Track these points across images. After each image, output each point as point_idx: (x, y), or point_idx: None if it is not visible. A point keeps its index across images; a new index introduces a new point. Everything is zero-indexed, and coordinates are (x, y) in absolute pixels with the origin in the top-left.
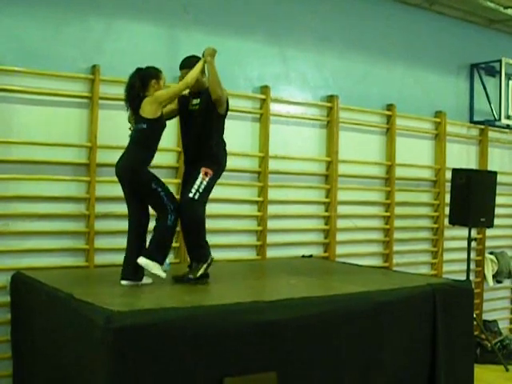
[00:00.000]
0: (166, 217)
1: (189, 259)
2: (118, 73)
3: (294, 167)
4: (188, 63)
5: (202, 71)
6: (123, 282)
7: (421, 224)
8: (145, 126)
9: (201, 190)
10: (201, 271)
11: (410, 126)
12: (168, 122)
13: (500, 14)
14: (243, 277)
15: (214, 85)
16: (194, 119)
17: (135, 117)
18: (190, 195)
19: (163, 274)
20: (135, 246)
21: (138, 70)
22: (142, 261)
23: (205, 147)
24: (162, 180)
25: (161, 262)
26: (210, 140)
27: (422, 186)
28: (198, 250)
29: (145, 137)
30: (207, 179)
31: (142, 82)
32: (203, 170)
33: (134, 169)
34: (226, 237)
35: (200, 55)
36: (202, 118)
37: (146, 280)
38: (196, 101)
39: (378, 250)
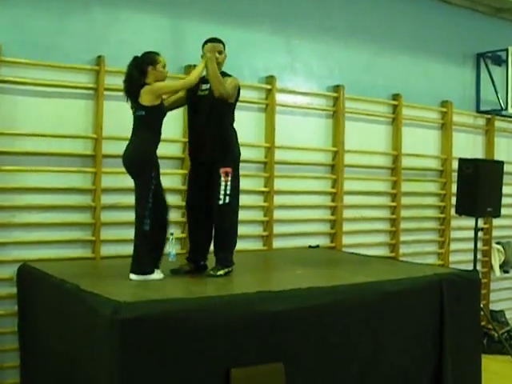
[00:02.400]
0: (141, 221)
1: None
2: (123, 63)
3: (300, 157)
4: (221, 41)
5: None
6: (132, 277)
7: (427, 214)
8: (143, 113)
9: (228, 192)
10: (220, 273)
11: (416, 116)
12: (172, 113)
13: (506, 3)
14: (250, 267)
15: (214, 82)
16: (203, 105)
17: (135, 105)
18: (220, 202)
19: (160, 276)
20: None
21: (135, 58)
22: (133, 277)
23: (216, 135)
24: (168, 171)
25: (151, 271)
26: (221, 127)
27: (429, 176)
28: (225, 254)
29: (145, 123)
30: (230, 178)
31: (139, 70)
32: (222, 171)
33: (141, 153)
34: None
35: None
36: (212, 103)
37: (156, 275)
38: (206, 86)
39: (385, 240)
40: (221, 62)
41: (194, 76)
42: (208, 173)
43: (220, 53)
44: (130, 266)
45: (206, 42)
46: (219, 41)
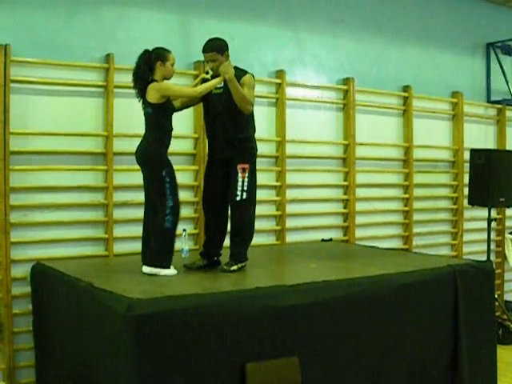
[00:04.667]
0: (162, 218)
1: (203, 247)
2: (132, 61)
3: (311, 151)
4: (212, 46)
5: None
6: (145, 269)
7: (440, 205)
8: (150, 110)
9: (246, 188)
10: (234, 268)
11: (426, 107)
12: (184, 110)
13: None
14: (263, 262)
15: (241, 102)
16: (219, 103)
17: (143, 101)
18: (237, 198)
19: (174, 272)
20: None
21: (145, 52)
22: (146, 270)
23: (233, 133)
24: (180, 167)
25: (167, 265)
26: (237, 124)
27: (441, 167)
28: (241, 250)
29: (153, 121)
30: (247, 175)
31: (147, 64)
32: (239, 167)
33: (149, 151)
34: None
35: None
36: (228, 102)
37: (170, 271)
38: (220, 84)
39: (398, 233)
40: (218, 68)
41: (202, 89)
42: (224, 169)
43: (214, 61)
44: (144, 259)
45: (216, 39)
46: (211, 48)
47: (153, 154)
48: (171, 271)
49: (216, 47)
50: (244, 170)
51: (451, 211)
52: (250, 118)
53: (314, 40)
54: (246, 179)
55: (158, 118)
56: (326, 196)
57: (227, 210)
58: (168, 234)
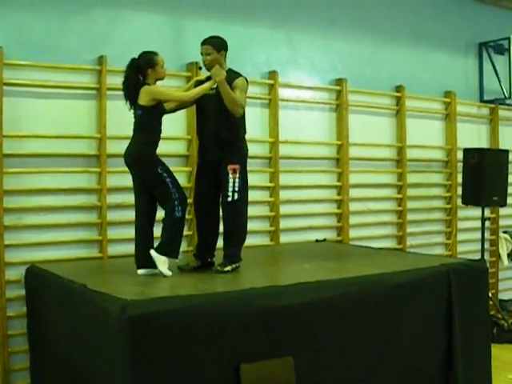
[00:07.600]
0: (172, 208)
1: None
2: (125, 63)
3: (304, 152)
4: (211, 40)
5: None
6: (140, 272)
7: (434, 205)
8: (141, 112)
9: (237, 189)
10: (228, 268)
11: (419, 107)
12: (177, 112)
13: None
14: (257, 263)
15: (231, 105)
16: (211, 104)
17: (134, 105)
18: (229, 199)
19: (168, 273)
20: (148, 234)
21: (132, 60)
22: (153, 254)
23: (224, 134)
24: (173, 168)
25: (175, 255)
26: (229, 125)
27: (434, 167)
28: (234, 250)
29: (142, 122)
30: (238, 175)
31: (139, 73)
32: (230, 167)
33: (140, 152)
34: None
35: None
36: (220, 103)
37: (165, 271)
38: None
39: (392, 232)
40: (211, 63)
41: (193, 94)
42: (216, 170)
43: (208, 54)
44: (158, 247)
45: (216, 37)
46: (209, 42)
47: (143, 154)
48: (166, 272)
49: (213, 43)
50: (235, 171)
51: (445, 211)
52: (241, 120)
53: (307, 41)
54: (237, 180)
55: (149, 119)
56: (319, 196)
57: (219, 211)
58: (179, 222)
